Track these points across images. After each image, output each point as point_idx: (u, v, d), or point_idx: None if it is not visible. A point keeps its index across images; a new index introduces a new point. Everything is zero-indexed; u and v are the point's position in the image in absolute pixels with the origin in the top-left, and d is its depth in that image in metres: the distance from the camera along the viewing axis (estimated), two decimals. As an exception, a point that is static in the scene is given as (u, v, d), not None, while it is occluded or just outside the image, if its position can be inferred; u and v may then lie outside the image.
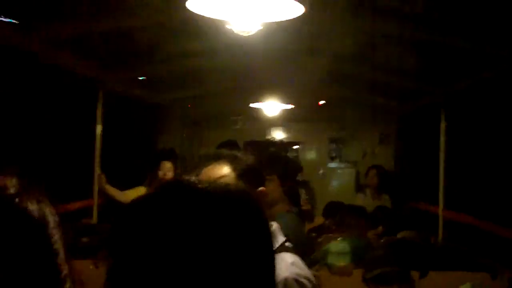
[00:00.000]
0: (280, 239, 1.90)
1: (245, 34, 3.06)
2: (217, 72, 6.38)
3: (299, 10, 2.99)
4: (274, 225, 1.93)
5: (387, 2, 4.31)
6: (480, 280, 4.12)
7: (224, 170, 1.78)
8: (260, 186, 1.84)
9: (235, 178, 1.77)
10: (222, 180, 1.76)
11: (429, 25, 4.42)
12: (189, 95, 7.32)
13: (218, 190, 0.95)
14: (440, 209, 6.04)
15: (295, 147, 8.52)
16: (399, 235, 4.77)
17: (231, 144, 4.96)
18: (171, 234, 0.87)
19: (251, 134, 7.49)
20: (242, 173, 1.79)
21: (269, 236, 0.98)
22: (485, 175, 5.22)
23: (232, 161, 1.81)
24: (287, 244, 1.92)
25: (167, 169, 5.46)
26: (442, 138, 6.00)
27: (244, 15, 2.97)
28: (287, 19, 3.09)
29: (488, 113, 5.25)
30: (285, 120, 8.33)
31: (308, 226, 6.00)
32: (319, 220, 6.06)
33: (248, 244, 0.92)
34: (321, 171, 8.27)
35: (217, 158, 1.82)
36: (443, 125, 5.99)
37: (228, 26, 3.08)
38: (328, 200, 6.26)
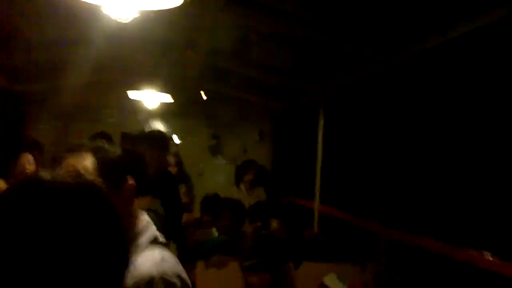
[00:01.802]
0: (150, 233, 1.83)
1: (122, 21, 2.96)
2: (92, 62, 6.15)
3: (177, 1, 2.94)
4: (145, 220, 1.86)
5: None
6: (346, 271, 4.29)
7: (87, 161, 1.70)
8: (126, 179, 1.77)
9: (98, 169, 1.69)
10: (83, 171, 1.70)
11: (305, 22, 4.52)
12: (60, 85, 7.02)
13: (65, 186, 0.96)
14: (316, 204, 6.23)
15: (176, 142, 8.45)
16: (271, 227, 4.87)
17: (103, 136, 4.79)
18: (17, 232, 0.90)
19: (128, 127, 7.30)
20: (105, 164, 1.71)
21: (113, 231, 0.98)
22: (356, 172, 5.43)
23: (96, 152, 1.73)
24: (160, 239, 1.85)
25: (27, 161, 5.18)
26: (320, 136, 6.18)
27: (120, 1, 2.87)
28: (164, 8, 3.02)
29: (360, 111, 5.46)
30: (164, 114, 8.23)
31: (186, 219, 5.99)
32: (196, 215, 6.06)
33: (88, 238, 0.93)
34: (201, 166, 8.27)
35: (82, 150, 1.73)
36: (321, 123, 6.16)
37: (103, 11, 2.96)
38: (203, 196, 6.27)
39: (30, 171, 5.10)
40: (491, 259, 3.19)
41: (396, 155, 4.58)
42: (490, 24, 3.13)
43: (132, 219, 1.80)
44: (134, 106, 7.79)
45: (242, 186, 6.78)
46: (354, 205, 5.39)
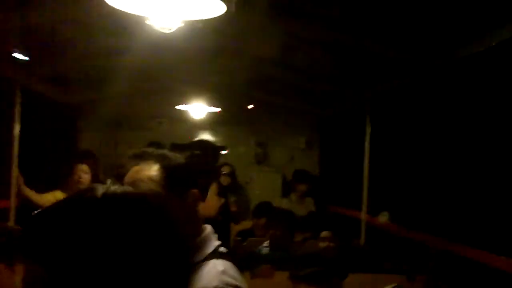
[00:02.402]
0: (212, 244, 1.80)
1: (165, 31, 2.97)
2: (140, 72, 6.23)
3: (221, 8, 2.93)
4: (208, 229, 1.83)
5: (309, 7, 4.34)
6: (398, 282, 4.19)
7: (152, 170, 1.69)
8: (191, 188, 1.75)
9: (163, 178, 1.68)
10: (149, 180, 1.69)
11: (350, 29, 4.47)
12: (111, 94, 7.12)
13: (119, 197, 0.98)
14: (363, 214, 6.13)
15: (223, 151, 8.49)
16: (322, 235, 4.82)
17: (157, 146, 4.84)
18: (72, 240, 0.92)
19: (176, 137, 7.36)
20: (171, 173, 1.69)
21: (165, 240, 0.97)
22: (407, 181, 5.30)
23: (161, 160, 1.71)
24: (221, 249, 1.82)
25: (82, 172, 5.29)
26: (367, 143, 6.08)
27: (164, 11, 2.89)
28: (209, 17, 3.02)
29: (407, 117, 5.36)
30: (211, 124, 8.26)
31: (236, 229, 5.99)
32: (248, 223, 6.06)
33: (139, 247, 0.93)
34: (248, 175, 8.25)
35: (146, 158, 1.72)
36: (368, 130, 6.07)
37: (148, 22, 2.98)
38: (255, 204, 6.24)
39: (85, 181, 5.21)
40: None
41: (446, 163, 4.46)
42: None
43: (197, 227, 1.78)
44: (182, 116, 7.84)
45: (292, 196, 6.74)
46: (402, 215, 5.26)
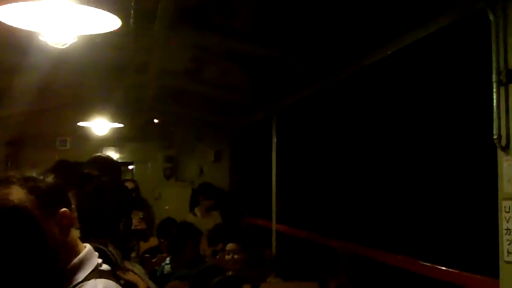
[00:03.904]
0: (92, 263, 1.77)
1: (59, 47, 2.88)
2: (41, 89, 6.01)
3: (117, 23, 2.88)
4: (87, 248, 1.80)
5: (215, 18, 4.34)
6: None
7: (18, 192, 1.65)
8: (61, 207, 1.72)
9: (31, 200, 1.64)
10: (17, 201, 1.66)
11: (259, 40, 4.51)
12: (10, 113, 6.84)
13: None
14: (273, 223, 6.19)
15: (129, 167, 8.32)
16: (227, 247, 4.82)
17: (63, 164, 4.67)
18: None
19: (81, 155, 7.15)
20: (39, 194, 1.66)
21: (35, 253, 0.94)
22: (312, 188, 5.41)
23: (25, 183, 1.68)
24: (102, 267, 1.79)
25: None
26: (274, 153, 6.15)
27: (57, 26, 2.80)
28: (104, 32, 2.96)
29: (314, 126, 5.47)
30: (118, 140, 8.08)
31: (143, 247, 5.87)
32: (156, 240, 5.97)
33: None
34: (156, 190, 8.14)
35: (10, 182, 1.69)
36: (274, 140, 6.14)
37: (41, 38, 2.88)
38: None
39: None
40: (445, 270, 3.19)
41: (349, 169, 4.58)
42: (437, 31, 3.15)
43: (72, 248, 1.74)
44: (86, 133, 7.63)
45: (197, 210, 6.71)
46: (312, 222, 5.36)
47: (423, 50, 3.44)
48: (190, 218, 6.43)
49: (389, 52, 3.69)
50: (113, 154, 7.97)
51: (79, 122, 7.19)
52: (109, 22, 2.83)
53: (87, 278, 1.71)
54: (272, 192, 6.22)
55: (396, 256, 3.83)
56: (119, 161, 7.74)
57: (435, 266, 3.29)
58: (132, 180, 6.61)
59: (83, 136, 7.69)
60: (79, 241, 1.80)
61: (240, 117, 7.68)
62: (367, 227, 4.29)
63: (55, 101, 6.64)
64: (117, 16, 2.78)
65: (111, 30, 2.88)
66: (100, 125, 7.26)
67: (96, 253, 1.81)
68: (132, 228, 5.32)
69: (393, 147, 3.95)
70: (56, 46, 2.88)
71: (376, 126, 4.19)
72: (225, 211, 6.74)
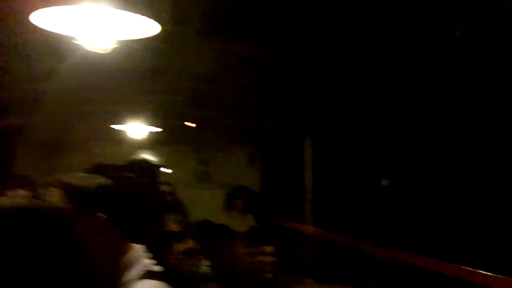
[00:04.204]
0: (141, 263, 1.79)
1: (100, 52, 2.93)
2: (77, 94, 6.11)
3: (155, 28, 2.91)
4: (136, 248, 1.82)
5: (245, 22, 4.36)
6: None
7: (56, 197, 1.70)
8: (97, 211, 1.75)
9: (70, 203, 1.68)
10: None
11: (288, 44, 4.51)
12: (47, 118, 6.96)
13: (21, 210, 0.95)
14: (308, 227, 6.17)
15: (164, 170, 8.39)
16: (262, 250, 4.83)
17: (99, 168, 4.72)
18: None
19: (116, 158, 7.23)
20: (76, 197, 1.70)
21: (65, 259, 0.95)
22: (351, 192, 5.36)
23: (62, 186, 1.72)
24: (152, 268, 1.81)
25: (18, 198, 5.13)
26: (308, 156, 6.13)
27: (97, 32, 2.84)
28: (143, 37, 3.00)
29: (348, 129, 5.43)
30: (152, 143, 8.17)
31: (180, 249, 5.90)
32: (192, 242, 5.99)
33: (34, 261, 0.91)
34: (191, 193, 8.20)
35: (46, 185, 1.74)
36: (308, 142, 6.12)
37: (80, 43, 2.92)
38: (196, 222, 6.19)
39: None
40: (484, 274, 3.14)
41: (386, 173, 4.54)
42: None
43: (118, 248, 1.77)
44: (121, 136, 7.73)
45: (232, 212, 6.73)
46: (348, 226, 5.32)
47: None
48: (225, 220, 6.45)
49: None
50: (148, 158, 8.03)
51: (114, 125, 7.28)
52: (148, 27, 2.87)
53: (135, 279, 1.73)
54: (306, 195, 6.19)
55: (430, 259, 3.78)
56: (154, 164, 7.81)
57: (473, 270, 3.25)
58: (168, 183, 6.67)
59: (118, 139, 7.80)
60: (122, 243, 1.81)
61: (272, 121, 7.67)
62: (403, 230, 4.24)
63: (91, 105, 6.72)
64: (156, 21, 2.82)
65: (150, 35, 2.92)
66: (135, 129, 7.34)
67: (146, 258, 1.81)
68: (168, 230, 5.40)
69: (431, 151, 3.90)
70: (95, 51, 2.92)
71: (413, 131, 4.14)
72: (259, 213, 6.76)
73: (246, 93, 6.43)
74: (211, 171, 8.47)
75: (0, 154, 7.12)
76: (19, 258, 0.89)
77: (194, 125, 8.12)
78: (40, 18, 2.74)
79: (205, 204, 7.93)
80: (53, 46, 4.01)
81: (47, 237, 0.93)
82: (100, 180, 1.89)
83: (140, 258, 1.80)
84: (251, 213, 6.76)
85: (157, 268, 1.83)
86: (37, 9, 2.61)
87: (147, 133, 7.66)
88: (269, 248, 4.92)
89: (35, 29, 3.02)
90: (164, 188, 6.44)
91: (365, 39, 3.99)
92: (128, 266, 1.76)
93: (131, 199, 3.01)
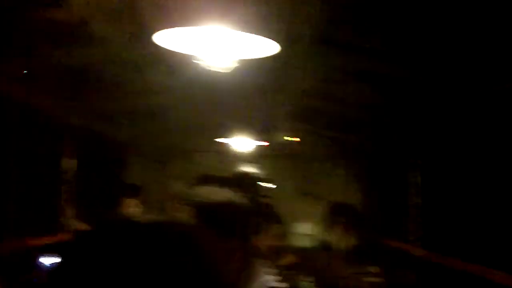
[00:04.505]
0: (263, 280, 1.82)
1: (221, 71, 3.00)
2: (184, 107, 6.30)
3: (275, 48, 2.96)
4: (256, 264, 1.84)
5: (352, 38, 4.34)
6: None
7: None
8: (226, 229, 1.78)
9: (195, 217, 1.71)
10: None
11: (396, 61, 4.45)
12: (154, 130, 7.24)
13: (147, 225, 0.97)
14: (414, 248, 6.02)
15: (266, 184, 8.47)
16: (366, 270, 4.76)
17: (207, 179, 4.85)
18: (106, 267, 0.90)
19: (221, 170, 7.38)
20: (205, 215, 1.73)
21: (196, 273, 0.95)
22: (465, 213, 5.16)
23: (195, 203, 1.76)
24: (272, 285, 1.84)
25: (128, 206, 5.36)
26: (416, 173, 5.99)
27: (218, 51, 2.92)
28: (263, 57, 3.05)
29: (460, 146, 5.25)
30: (256, 157, 8.28)
31: (282, 263, 5.93)
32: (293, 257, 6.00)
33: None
34: (292, 207, 8.23)
35: (176, 202, 1.78)
36: (416, 159, 5.98)
37: (201, 63, 3.01)
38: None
39: (133, 214, 5.28)
40: None
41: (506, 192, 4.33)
42: None
43: (240, 267, 1.78)
44: (226, 149, 7.89)
45: (333, 229, 6.67)
46: (461, 248, 5.10)
47: None
48: (327, 236, 6.41)
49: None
50: (251, 171, 8.15)
51: (219, 138, 7.44)
52: (268, 47, 2.91)
53: None
54: (412, 214, 6.04)
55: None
56: (257, 177, 7.91)
57: None
58: (268, 196, 6.73)
59: (223, 152, 7.96)
60: (245, 258, 1.83)
61: (379, 137, 7.57)
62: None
63: (200, 118, 6.92)
64: (276, 41, 2.86)
65: (269, 55, 2.96)
66: (240, 142, 7.47)
67: (268, 275, 1.84)
68: (266, 244, 5.43)
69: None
70: (216, 70, 3.00)
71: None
72: (362, 231, 6.66)
73: (352, 109, 6.38)
74: (313, 186, 8.46)
75: (112, 164, 7.46)
76: (153, 274, 0.90)
77: (297, 139, 8.16)
78: (163, 38, 2.84)
79: (307, 219, 7.94)
80: (169, 63, 4.17)
81: (182, 255, 0.94)
82: (228, 194, 1.90)
83: (261, 274, 1.82)
84: (355, 230, 6.67)
85: (277, 285, 1.85)
86: (160, 29, 2.71)
87: (252, 146, 7.77)
88: (374, 268, 4.83)
89: (157, 47, 3.15)
90: (264, 200, 6.50)
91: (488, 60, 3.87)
92: (250, 282, 1.78)
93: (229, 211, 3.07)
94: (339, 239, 6.20)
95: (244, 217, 2.89)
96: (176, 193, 1.87)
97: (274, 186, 8.25)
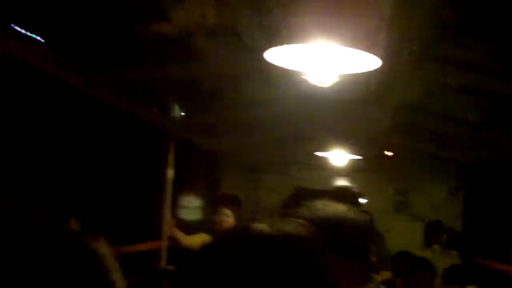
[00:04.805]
0: None
1: (322, 86, 3.04)
2: (282, 119, 6.36)
3: (376, 63, 2.96)
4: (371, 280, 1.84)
5: (451, 52, 4.25)
6: None
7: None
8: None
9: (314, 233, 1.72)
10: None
11: (494, 75, 4.32)
12: (253, 141, 7.34)
13: (270, 239, 0.97)
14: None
15: (361, 199, 8.41)
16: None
17: (302, 191, 4.89)
18: (227, 281, 0.92)
19: (314, 183, 7.39)
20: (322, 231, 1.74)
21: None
22: None
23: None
24: None
25: (224, 215, 5.46)
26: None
27: (322, 66, 2.96)
28: (364, 71, 3.06)
29: None
30: (349, 170, 8.22)
31: (377, 279, 5.85)
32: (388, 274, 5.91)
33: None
34: (387, 223, 8.09)
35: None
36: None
37: (304, 77, 3.06)
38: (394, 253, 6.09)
39: (228, 224, 5.38)
40: None
41: None
42: None
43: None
44: (320, 162, 7.88)
45: (436, 247, 6.52)
46: None
47: None
48: (427, 254, 6.27)
49: None
50: (349, 185, 8.10)
51: (316, 152, 7.45)
52: (369, 62, 2.92)
53: None
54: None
55: None
56: (357, 192, 7.85)
57: None
58: (367, 212, 6.66)
59: (317, 165, 7.96)
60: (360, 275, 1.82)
61: (477, 153, 7.33)
62: None
63: (294, 131, 6.96)
64: (378, 56, 2.86)
65: (371, 69, 2.97)
66: (335, 156, 7.45)
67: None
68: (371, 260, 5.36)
69: None
70: (319, 85, 3.04)
71: None
72: (461, 250, 6.48)
73: (452, 124, 6.23)
74: (409, 201, 8.29)
75: (209, 174, 7.63)
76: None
77: (391, 153, 8.03)
78: (273, 55, 2.91)
79: (403, 235, 7.79)
80: (270, 76, 4.24)
81: (306, 271, 0.95)
82: (343, 209, 1.89)
83: None
84: (453, 249, 6.50)
85: None
86: (271, 47, 2.78)
87: (346, 160, 7.73)
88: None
89: (260, 62, 3.23)
90: (364, 216, 6.44)
91: None
92: None
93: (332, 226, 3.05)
94: (437, 258, 6.06)
95: (362, 233, 2.84)
96: (289, 206, 1.88)
97: (367, 200, 8.16)
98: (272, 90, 5.01)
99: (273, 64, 3.16)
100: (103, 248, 0.99)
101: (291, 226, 1.04)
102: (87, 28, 3.57)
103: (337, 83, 3.85)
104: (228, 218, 5.44)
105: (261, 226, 0.99)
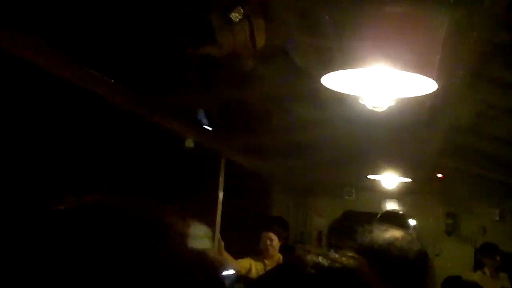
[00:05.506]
0: None
1: (377, 110, 3.07)
2: (334, 142, 6.39)
3: (432, 86, 2.98)
4: None
5: (502, 73, 4.23)
6: None
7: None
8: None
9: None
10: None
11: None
12: (302, 164, 7.37)
13: (328, 272, 0.98)
14: None
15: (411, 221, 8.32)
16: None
17: (351, 215, 4.91)
18: None
19: (363, 206, 7.37)
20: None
21: None
22: None
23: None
24: None
25: (269, 239, 5.50)
26: None
27: (378, 90, 2.99)
28: (420, 95, 3.08)
29: None
30: (399, 193, 8.16)
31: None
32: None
33: None
34: (437, 246, 7.98)
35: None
36: None
37: (360, 101, 3.10)
38: (443, 277, 6.00)
39: (273, 248, 5.41)
40: None
41: None
42: None
43: None
44: (370, 185, 7.84)
45: (486, 270, 6.41)
46: None
47: None
48: (476, 277, 6.17)
49: None
50: (395, 207, 8.05)
51: (368, 175, 7.42)
52: (425, 85, 2.95)
53: None
54: None
55: None
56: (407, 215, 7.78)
57: None
58: (419, 236, 6.59)
59: (368, 187, 7.92)
60: None
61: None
62: None
63: (346, 153, 6.96)
64: (433, 79, 2.88)
65: (427, 93, 2.99)
66: (387, 179, 7.40)
67: None
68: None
69: None
70: (374, 109, 3.07)
71: None
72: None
73: (504, 146, 6.16)
74: (459, 224, 8.17)
75: (257, 196, 7.65)
76: None
77: (441, 176, 7.95)
78: (329, 80, 2.96)
79: (453, 259, 7.67)
80: (323, 99, 4.29)
81: None
82: (398, 234, 1.90)
83: None
84: (505, 273, 6.38)
85: None
86: (327, 72, 2.84)
87: (397, 183, 7.68)
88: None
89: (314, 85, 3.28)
90: (419, 246, 6.37)
91: None
92: None
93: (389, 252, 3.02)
94: (487, 281, 5.95)
95: (419, 265, 2.79)
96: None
97: (417, 223, 8.06)
98: (325, 113, 5.06)
99: (327, 88, 3.20)
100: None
101: (346, 259, 1.05)
102: (140, 51, 3.69)
103: (390, 106, 3.89)
104: (272, 242, 5.48)
105: (317, 259, 1.00)
